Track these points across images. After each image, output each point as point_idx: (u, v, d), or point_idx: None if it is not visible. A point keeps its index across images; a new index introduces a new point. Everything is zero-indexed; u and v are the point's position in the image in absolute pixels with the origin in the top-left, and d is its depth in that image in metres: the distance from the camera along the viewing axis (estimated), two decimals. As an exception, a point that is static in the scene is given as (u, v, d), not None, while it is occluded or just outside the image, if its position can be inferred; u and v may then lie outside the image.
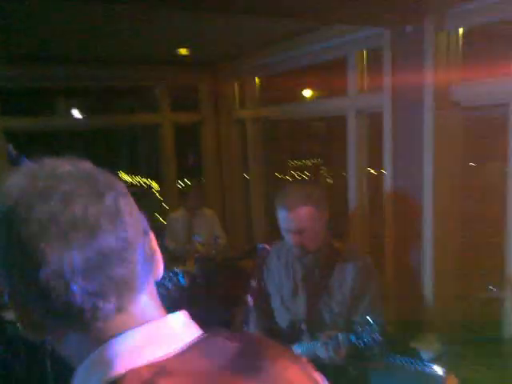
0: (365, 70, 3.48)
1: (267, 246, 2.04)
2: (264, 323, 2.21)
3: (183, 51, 4.41)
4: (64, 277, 0.56)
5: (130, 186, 9.21)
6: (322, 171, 8.93)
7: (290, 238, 2.02)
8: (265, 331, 2.19)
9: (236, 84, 5.11)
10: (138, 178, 9.32)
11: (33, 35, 3.70)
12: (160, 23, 3.51)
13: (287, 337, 2.09)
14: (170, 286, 2.34)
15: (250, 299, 1.89)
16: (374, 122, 3.48)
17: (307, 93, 5.87)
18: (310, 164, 9.23)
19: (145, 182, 9.13)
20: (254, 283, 1.94)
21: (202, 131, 5.38)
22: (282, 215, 1.99)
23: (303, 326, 2.07)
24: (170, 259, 4.46)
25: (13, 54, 4.23)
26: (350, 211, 3.67)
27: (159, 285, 2.03)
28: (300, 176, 8.62)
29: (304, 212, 1.95)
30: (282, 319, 2.17)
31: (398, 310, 3.10)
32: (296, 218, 1.95)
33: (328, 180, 8.32)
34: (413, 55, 2.88)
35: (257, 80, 4.85)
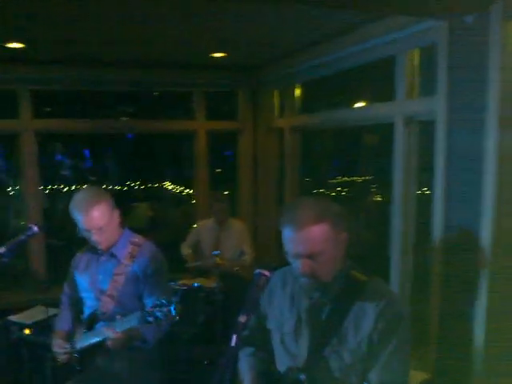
0: (416, 72, 3.00)
1: (266, 273, 1.62)
2: (261, 367, 1.79)
3: (220, 55, 4.13)
4: None
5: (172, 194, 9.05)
6: (372, 189, 8.36)
7: (297, 265, 1.58)
8: (261, 375, 1.76)
9: (276, 90, 4.75)
10: (179, 186, 9.13)
11: (70, 37, 3.58)
12: (197, 26, 3.26)
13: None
14: (160, 316, 1.96)
15: (234, 339, 1.48)
16: (425, 131, 2.99)
17: (352, 99, 5.41)
18: (359, 180, 8.66)
19: (186, 191, 8.93)
20: (242, 319, 1.52)
21: (238, 140, 5.07)
22: (287, 235, 1.56)
23: (302, 377, 1.60)
24: (196, 273, 4.19)
25: (56, 57, 4.16)
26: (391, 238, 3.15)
27: (149, 314, 1.65)
28: (345, 193, 8.08)
29: (316, 232, 1.52)
30: (281, 363, 1.73)
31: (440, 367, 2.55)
32: (305, 239, 1.52)
33: (377, 198, 7.74)
34: (475, 52, 2.36)
35: (297, 86, 4.47)
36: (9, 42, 3.66)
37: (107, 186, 8.76)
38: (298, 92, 4.48)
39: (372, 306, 1.57)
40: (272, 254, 4.83)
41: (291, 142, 4.53)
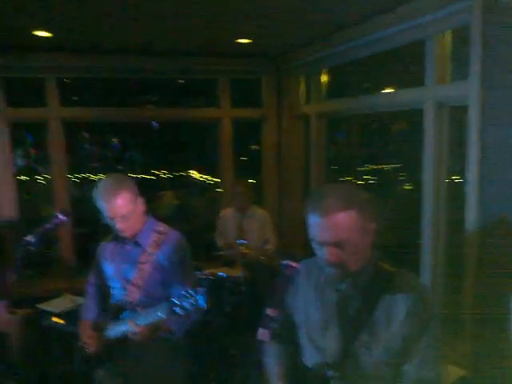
0: (447, 55, 2.89)
1: (294, 264, 1.58)
2: (289, 361, 1.75)
3: (245, 41, 4.07)
4: None
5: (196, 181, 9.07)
6: (400, 177, 8.20)
7: (322, 254, 1.53)
8: (289, 371, 1.73)
9: (302, 76, 4.67)
10: (204, 175, 9.15)
11: (96, 25, 3.58)
12: (222, 13, 3.21)
13: (313, 382, 1.61)
14: (187, 306, 1.93)
15: (262, 332, 1.44)
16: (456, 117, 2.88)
17: (380, 84, 5.28)
18: (387, 168, 8.50)
19: (211, 179, 8.93)
20: (270, 312, 1.48)
21: (263, 127, 5.01)
22: (313, 223, 1.50)
23: (332, 373, 1.55)
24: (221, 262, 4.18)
25: (82, 45, 4.18)
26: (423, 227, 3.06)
27: (177, 305, 1.61)
28: (373, 181, 7.94)
29: (343, 219, 1.46)
30: (309, 359, 1.68)
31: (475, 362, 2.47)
32: (332, 226, 1.46)
33: (406, 187, 7.59)
34: (509, 33, 2.25)
35: (324, 71, 4.37)
36: (36, 31, 3.68)
37: (133, 175, 8.85)
38: (324, 78, 4.39)
39: (402, 299, 1.51)
40: (296, 243, 4.78)
41: (317, 129, 4.45)
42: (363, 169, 8.03)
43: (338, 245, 1.49)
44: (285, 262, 1.55)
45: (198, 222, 7.06)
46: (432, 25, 2.87)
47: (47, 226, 2.30)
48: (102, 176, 8.03)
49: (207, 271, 3.90)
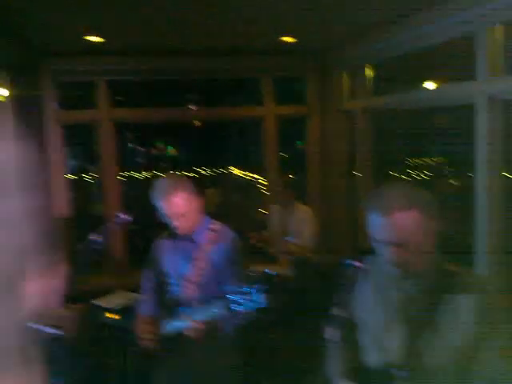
0: (499, 48, 2.84)
1: (357, 263, 1.60)
2: (350, 362, 1.76)
3: (288, 39, 4.08)
4: None
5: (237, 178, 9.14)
6: (445, 171, 8.04)
7: (385, 253, 1.54)
8: (351, 372, 1.74)
9: (345, 72, 4.65)
10: (246, 172, 9.21)
11: (144, 29, 3.69)
12: (266, 11, 3.25)
13: (377, 380, 1.63)
14: (244, 303, 1.95)
15: (330, 331, 1.47)
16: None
17: (428, 79, 5.19)
18: (431, 162, 8.36)
19: (253, 176, 8.99)
20: (338, 312, 1.52)
21: (306, 124, 5.01)
22: (375, 222, 1.52)
23: (398, 372, 1.56)
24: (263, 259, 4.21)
25: (126, 46, 4.29)
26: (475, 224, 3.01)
27: (233, 302, 1.63)
28: (418, 176, 7.82)
29: (406, 218, 1.47)
30: (372, 358, 1.69)
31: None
32: (395, 225, 1.47)
33: (452, 182, 7.44)
34: None
35: (368, 67, 4.35)
36: (88, 35, 3.82)
37: (176, 173, 9.00)
38: (369, 73, 4.37)
39: (467, 299, 1.51)
40: (340, 241, 4.78)
41: (363, 125, 4.44)
42: (407, 163, 7.92)
43: (400, 244, 1.49)
44: (348, 261, 1.57)
45: (239, 219, 7.12)
46: (483, 18, 2.82)
47: (110, 225, 2.38)
48: (146, 174, 8.20)
49: (252, 268, 3.92)
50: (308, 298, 3.70)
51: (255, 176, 8.57)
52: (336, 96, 4.75)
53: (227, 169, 9.31)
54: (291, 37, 4.04)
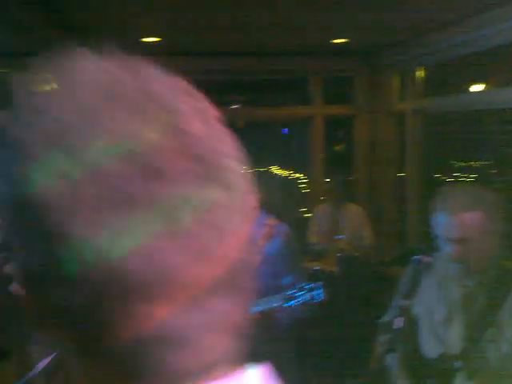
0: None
1: (425, 259, 1.66)
2: (409, 352, 1.82)
3: (339, 40, 4.13)
4: None
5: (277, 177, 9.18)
6: (490, 174, 7.88)
7: (449, 250, 1.61)
8: (409, 362, 1.80)
9: (395, 74, 4.66)
10: (287, 171, 9.26)
11: (197, 30, 3.81)
12: (316, 11, 3.29)
13: (437, 372, 1.68)
14: (302, 299, 2.00)
15: (398, 322, 1.53)
16: None
17: (479, 82, 5.14)
18: (476, 165, 8.20)
19: (293, 175, 9.04)
20: (404, 303, 1.58)
21: (355, 124, 5.04)
22: (440, 220, 1.59)
23: (458, 363, 1.62)
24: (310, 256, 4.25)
25: (179, 47, 4.42)
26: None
27: (291, 297, 1.69)
28: (464, 178, 7.69)
29: (471, 218, 1.54)
30: (430, 350, 1.74)
31: None
32: (460, 224, 1.55)
33: (498, 185, 7.29)
34: None
35: (419, 69, 4.34)
36: (145, 37, 3.96)
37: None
38: (420, 75, 4.36)
39: None
40: (388, 241, 4.79)
41: (413, 126, 4.43)
42: (453, 166, 7.82)
43: (464, 243, 1.56)
44: (416, 256, 1.63)
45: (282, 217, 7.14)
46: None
47: None
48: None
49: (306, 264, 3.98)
50: (358, 294, 3.74)
51: (298, 175, 8.61)
52: (386, 97, 4.75)
53: (267, 167, 9.37)
54: (342, 38, 4.08)
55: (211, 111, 0.39)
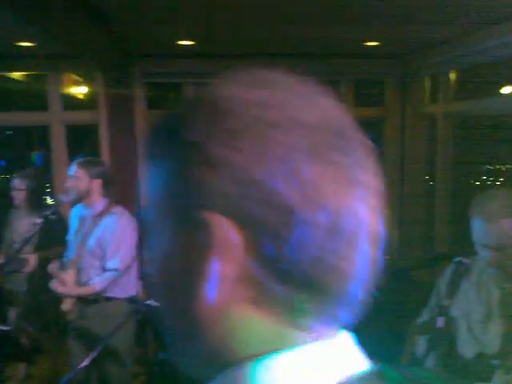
0: None
1: (466, 261, 1.70)
2: (447, 352, 1.86)
3: (372, 43, 4.16)
4: None
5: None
6: (517, 178, 7.80)
7: (486, 255, 1.66)
8: (447, 361, 1.84)
9: (427, 76, 4.67)
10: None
11: (231, 33, 3.89)
12: (350, 14, 3.34)
13: (472, 371, 1.72)
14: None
15: (438, 323, 1.58)
16: None
17: (510, 85, 5.11)
18: (503, 169, 8.14)
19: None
20: (444, 303, 1.62)
21: (384, 127, 5.06)
22: (478, 226, 1.63)
23: (496, 362, 1.66)
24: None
25: (212, 49, 4.52)
26: None
27: None
28: (491, 182, 7.64)
29: (507, 225, 1.58)
30: (467, 349, 1.79)
31: None
32: (497, 231, 1.59)
33: (526, 188, 7.21)
34: None
35: (451, 72, 4.35)
36: (180, 40, 4.05)
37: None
38: (452, 78, 4.37)
39: None
40: (416, 244, 4.80)
41: (444, 129, 4.44)
42: (480, 169, 7.77)
43: (502, 249, 1.61)
44: (458, 258, 1.68)
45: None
46: None
47: None
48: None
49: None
50: (387, 296, 3.77)
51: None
52: (416, 100, 4.77)
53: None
54: (375, 41, 4.11)
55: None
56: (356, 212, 0.42)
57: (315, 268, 0.40)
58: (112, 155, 4.56)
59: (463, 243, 1.80)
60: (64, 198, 3.00)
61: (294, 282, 0.40)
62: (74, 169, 2.98)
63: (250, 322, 0.42)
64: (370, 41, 4.09)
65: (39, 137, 7.80)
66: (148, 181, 0.47)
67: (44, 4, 2.73)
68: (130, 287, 3.15)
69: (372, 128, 5.42)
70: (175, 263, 0.44)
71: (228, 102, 0.43)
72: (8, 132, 8.59)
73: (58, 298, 3.12)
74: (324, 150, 0.41)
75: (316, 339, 0.43)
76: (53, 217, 2.95)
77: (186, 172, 0.42)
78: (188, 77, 4.79)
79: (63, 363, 3.99)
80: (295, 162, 0.40)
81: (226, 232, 0.40)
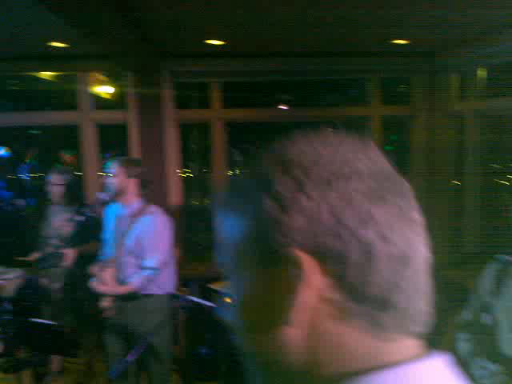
0: None
1: (509, 258, 1.72)
2: (488, 350, 1.88)
3: (400, 41, 4.16)
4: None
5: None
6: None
7: None
8: (488, 358, 1.86)
9: (456, 74, 4.64)
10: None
11: (261, 33, 3.91)
12: (381, 13, 3.35)
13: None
14: None
15: (482, 319, 1.60)
16: None
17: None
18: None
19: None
20: (487, 300, 1.64)
21: (411, 125, 5.04)
22: None
23: None
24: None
25: (233, 50, 4.54)
26: None
27: None
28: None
29: None
30: (510, 347, 1.81)
31: None
32: None
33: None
34: None
35: (480, 70, 4.32)
36: (210, 40, 4.09)
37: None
38: (481, 76, 4.34)
39: None
40: (446, 244, 4.78)
41: (473, 128, 4.42)
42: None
43: None
44: (503, 256, 1.69)
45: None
46: None
47: None
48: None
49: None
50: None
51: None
52: (444, 98, 4.74)
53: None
54: (404, 39, 4.11)
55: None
56: (415, 243, 0.51)
57: (389, 290, 0.48)
58: (141, 155, 4.62)
59: (493, 242, 1.81)
60: (102, 196, 3.07)
61: (371, 303, 0.48)
62: (112, 167, 3.05)
63: (338, 339, 0.48)
64: (399, 39, 4.08)
65: (67, 136, 7.94)
66: (225, 228, 0.54)
67: (78, 4, 2.78)
68: (166, 284, 3.23)
69: (399, 126, 5.41)
70: (260, 299, 0.51)
71: (305, 158, 0.51)
72: (34, 131, 8.74)
73: (94, 293, 3.20)
74: (384, 193, 0.49)
75: (406, 352, 0.49)
76: (92, 214, 3.02)
77: (274, 217, 0.49)
78: (215, 76, 4.84)
79: (98, 358, 4.08)
80: (367, 205, 0.48)
81: (311, 266, 0.47)
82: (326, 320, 0.48)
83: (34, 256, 3.83)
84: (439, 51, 4.59)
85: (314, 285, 0.47)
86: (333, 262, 0.47)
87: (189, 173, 7.56)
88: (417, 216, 0.52)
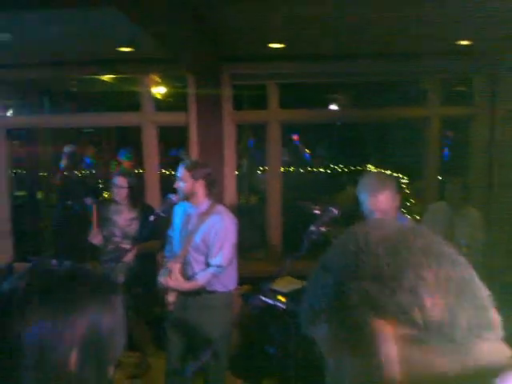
0: None
1: None
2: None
3: (464, 42, 4.10)
4: None
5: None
6: None
7: None
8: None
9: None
10: (385, 170, 9.20)
11: (320, 36, 3.96)
12: (443, 13, 3.32)
13: None
14: None
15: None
16: None
17: None
18: None
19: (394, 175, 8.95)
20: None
21: (472, 125, 4.95)
22: None
23: None
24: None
25: (291, 52, 4.59)
26: None
27: None
28: None
29: None
30: None
31: None
32: None
33: None
34: None
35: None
36: (272, 43, 4.17)
37: (313, 169, 9.28)
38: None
39: None
40: (505, 245, 4.67)
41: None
42: None
43: None
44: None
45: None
46: None
47: (323, 219, 2.58)
48: (290, 170, 8.55)
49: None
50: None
51: (399, 175, 8.55)
52: (507, 98, 4.64)
53: (363, 167, 9.35)
54: (469, 41, 4.05)
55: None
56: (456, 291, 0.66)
57: (446, 326, 0.63)
58: (200, 155, 4.75)
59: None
60: (173, 197, 3.20)
61: (433, 334, 0.63)
62: (180, 171, 3.18)
63: (418, 363, 0.64)
64: (463, 39, 4.03)
65: (123, 136, 8.20)
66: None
67: (159, 17, 2.90)
68: (230, 282, 3.32)
69: (460, 126, 5.33)
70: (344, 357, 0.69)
71: (374, 242, 0.70)
72: (88, 130, 9.02)
73: (157, 289, 3.33)
74: (430, 260, 0.67)
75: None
76: (162, 215, 3.15)
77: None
78: (274, 78, 4.91)
79: (157, 354, 4.22)
80: (422, 272, 0.66)
81: (387, 328, 0.64)
82: (407, 356, 0.64)
83: (98, 252, 4.03)
84: (502, 51, 4.48)
85: (391, 339, 0.64)
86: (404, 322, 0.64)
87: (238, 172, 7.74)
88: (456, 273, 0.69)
